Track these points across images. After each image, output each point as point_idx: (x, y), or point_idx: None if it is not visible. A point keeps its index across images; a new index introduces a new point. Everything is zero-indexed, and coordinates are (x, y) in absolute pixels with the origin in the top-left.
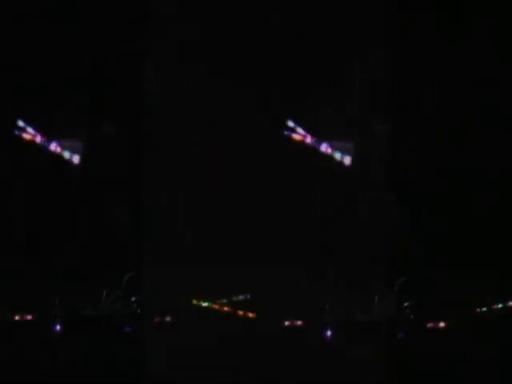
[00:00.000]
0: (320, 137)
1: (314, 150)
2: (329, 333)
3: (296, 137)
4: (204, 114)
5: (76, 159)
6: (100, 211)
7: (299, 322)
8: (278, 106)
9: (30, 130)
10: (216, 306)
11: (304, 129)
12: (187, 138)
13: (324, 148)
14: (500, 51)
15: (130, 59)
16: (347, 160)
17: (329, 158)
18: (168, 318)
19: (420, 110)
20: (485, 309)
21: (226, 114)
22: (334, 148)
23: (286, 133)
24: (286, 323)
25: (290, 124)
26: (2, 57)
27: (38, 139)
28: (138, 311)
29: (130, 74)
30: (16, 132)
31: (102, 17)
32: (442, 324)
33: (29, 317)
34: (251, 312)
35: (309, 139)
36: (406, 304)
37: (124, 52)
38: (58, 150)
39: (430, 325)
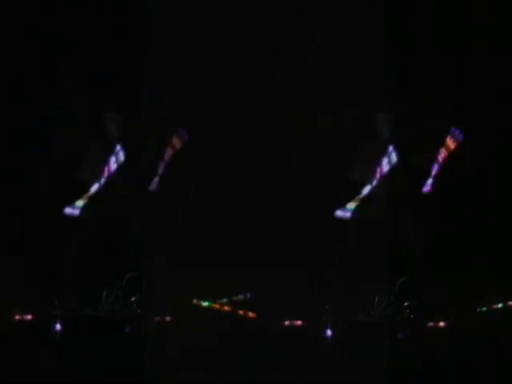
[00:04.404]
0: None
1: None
2: (329, 333)
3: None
4: (204, 115)
5: None
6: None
7: (299, 322)
8: (277, 106)
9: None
10: (216, 306)
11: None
12: (188, 138)
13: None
14: (499, 51)
15: (129, 58)
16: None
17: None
18: (168, 318)
19: (419, 109)
20: (485, 309)
21: (226, 113)
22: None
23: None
24: (286, 323)
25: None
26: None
27: None
28: (138, 311)
29: (129, 72)
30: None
31: (103, 17)
32: (441, 324)
33: (29, 317)
34: (251, 312)
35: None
36: (405, 304)
37: (124, 51)
38: None
39: (429, 325)
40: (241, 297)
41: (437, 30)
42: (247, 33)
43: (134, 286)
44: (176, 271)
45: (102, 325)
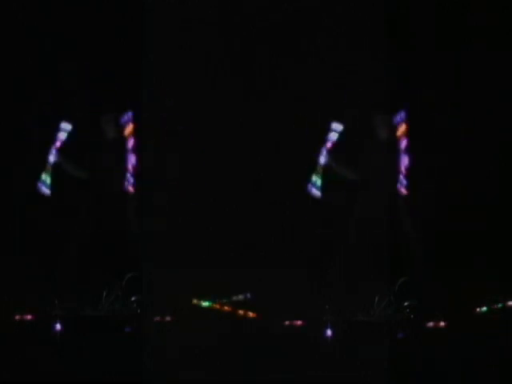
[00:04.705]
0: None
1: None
2: (329, 333)
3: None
4: (204, 115)
5: None
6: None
7: (299, 322)
8: (277, 106)
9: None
10: (216, 306)
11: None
12: (188, 139)
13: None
14: (499, 51)
15: (129, 58)
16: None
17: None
18: (168, 318)
19: (419, 110)
20: (485, 309)
21: (226, 113)
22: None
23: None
24: (286, 323)
25: None
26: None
27: None
28: (138, 311)
29: (129, 72)
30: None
31: (103, 17)
32: (442, 324)
33: (29, 317)
34: (251, 312)
35: None
36: (405, 304)
37: (124, 51)
38: None
39: (429, 325)
40: (241, 297)
41: (437, 30)
42: (247, 33)
43: (134, 285)
44: (176, 271)
45: (102, 325)
